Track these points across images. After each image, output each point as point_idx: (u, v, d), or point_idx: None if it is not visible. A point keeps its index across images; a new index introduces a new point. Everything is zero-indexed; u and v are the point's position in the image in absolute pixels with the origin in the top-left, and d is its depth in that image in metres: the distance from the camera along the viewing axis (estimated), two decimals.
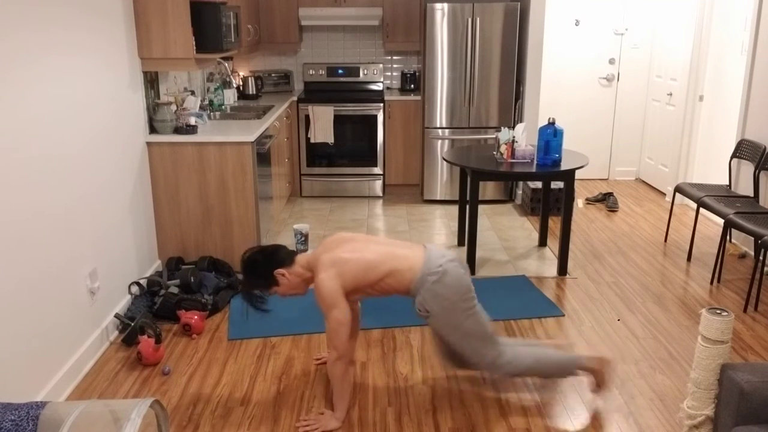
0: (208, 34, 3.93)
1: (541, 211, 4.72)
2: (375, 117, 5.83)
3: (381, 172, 5.99)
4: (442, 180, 5.84)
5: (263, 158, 4.37)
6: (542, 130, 4.06)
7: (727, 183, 4.82)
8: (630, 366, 3.12)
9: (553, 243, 4.80)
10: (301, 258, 2.69)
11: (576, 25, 6.41)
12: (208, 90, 5.19)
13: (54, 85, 2.82)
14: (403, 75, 6.15)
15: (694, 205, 5.49)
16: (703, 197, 4.33)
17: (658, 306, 3.77)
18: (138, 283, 3.66)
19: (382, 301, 3.72)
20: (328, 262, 2.56)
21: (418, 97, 5.86)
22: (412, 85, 6.13)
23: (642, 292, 3.96)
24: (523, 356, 2.71)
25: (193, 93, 4.75)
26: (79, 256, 3.04)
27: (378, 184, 6.02)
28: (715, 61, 5.43)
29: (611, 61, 6.51)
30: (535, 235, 5.00)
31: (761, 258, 3.96)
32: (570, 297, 3.90)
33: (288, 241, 4.69)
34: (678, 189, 4.71)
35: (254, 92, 5.79)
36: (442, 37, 5.46)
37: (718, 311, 2.18)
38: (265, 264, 2.63)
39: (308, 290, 2.74)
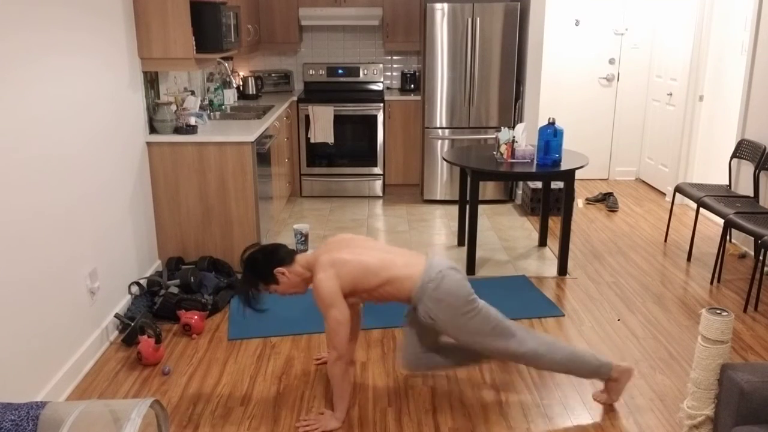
0: (208, 34, 3.93)
1: (541, 211, 4.72)
2: (375, 117, 5.83)
3: (381, 172, 5.99)
4: (442, 180, 5.84)
5: (263, 158, 4.37)
6: (542, 130, 4.06)
7: (727, 183, 4.82)
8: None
9: (553, 243, 4.80)
10: (301, 257, 2.69)
11: (576, 25, 6.41)
12: (208, 90, 5.19)
13: (54, 85, 2.82)
14: (403, 75, 6.15)
15: (694, 205, 5.49)
16: (703, 197, 4.33)
17: (658, 306, 3.77)
18: (138, 283, 3.66)
19: None
20: (327, 263, 2.57)
21: (418, 97, 5.86)
22: (412, 85, 6.13)
23: (642, 292, 3.96)
24: (559, 348, 2.66)
25: (193, 93, 4.75)
26: (79, 256, 3.04)
27: (378, 184, 6.02)
28: (715, 61, 5.43)
29: (611, 61, 6.51)
30: (535, 235, 5.00)
31: (761, 258, 3.96)
32: (570, 297, 3.90)
33: (288, 241, 4.69)
34: (678, 189, 4.71)
35: (254, 92, 5.79)
36: (442, 37, 5.46)
37: (718, 311, 2.18)
38: (265, 262, 2.63)
39: (308, 289, 2.74)
